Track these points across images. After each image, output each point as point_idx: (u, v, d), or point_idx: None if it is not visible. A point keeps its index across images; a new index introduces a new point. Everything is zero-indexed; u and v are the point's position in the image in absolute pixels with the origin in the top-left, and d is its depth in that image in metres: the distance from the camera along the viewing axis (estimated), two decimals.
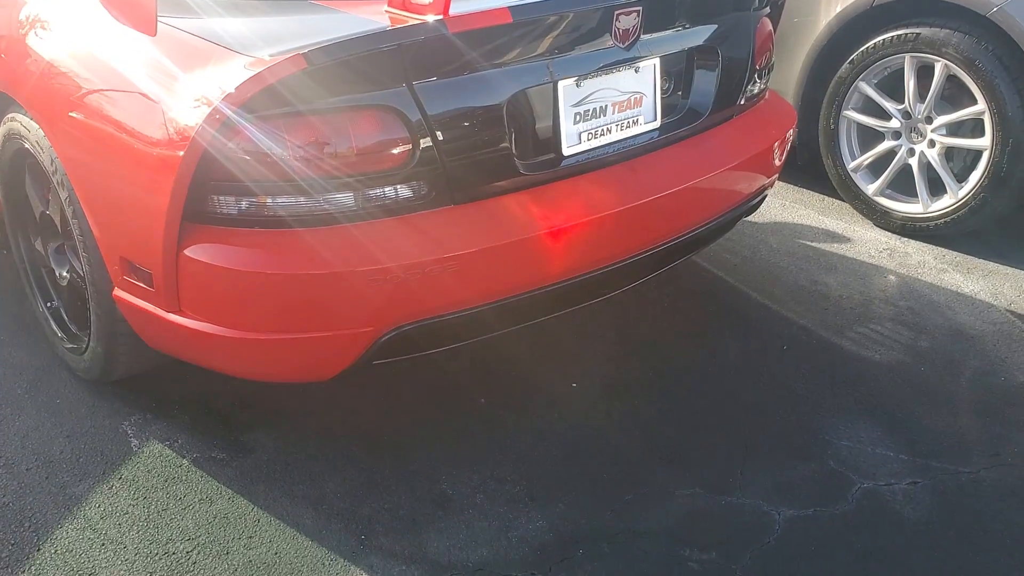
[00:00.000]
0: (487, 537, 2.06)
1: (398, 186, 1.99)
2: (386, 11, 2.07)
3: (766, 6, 2.68)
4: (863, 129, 3.56)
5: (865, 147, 3.57)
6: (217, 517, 2.11)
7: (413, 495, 2.18)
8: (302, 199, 1.93)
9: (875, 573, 1.99)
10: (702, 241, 2.64)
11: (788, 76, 3.65)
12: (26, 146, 2.32)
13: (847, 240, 3.45)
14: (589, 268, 2.26)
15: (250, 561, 1.99)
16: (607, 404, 2.51)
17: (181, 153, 1.87)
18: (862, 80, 3.46)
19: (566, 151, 2.21)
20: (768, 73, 2.76)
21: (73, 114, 2.12)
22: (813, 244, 3.41)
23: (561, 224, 2.14)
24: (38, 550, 2.00)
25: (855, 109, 3.52)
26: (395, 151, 1.96)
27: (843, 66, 3.49)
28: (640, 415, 2.47)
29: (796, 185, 3.91)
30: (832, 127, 3.58)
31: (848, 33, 3.47)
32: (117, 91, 2.07)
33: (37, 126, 2.23)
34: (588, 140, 2.25)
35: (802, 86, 3.64)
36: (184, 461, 2.27)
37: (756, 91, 2.71)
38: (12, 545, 2.01)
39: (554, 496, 2.18)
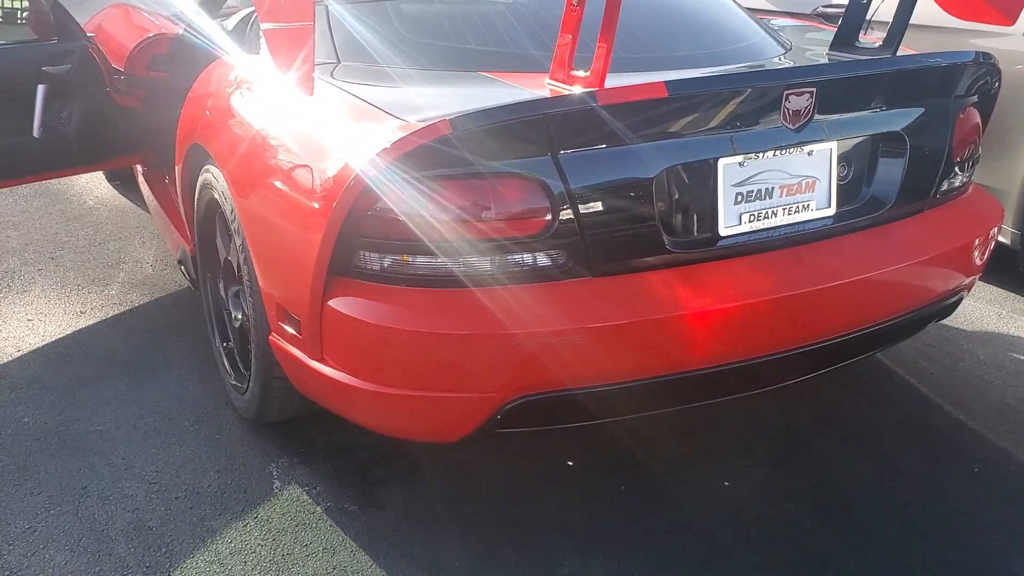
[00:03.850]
0: None
1: (537, 254, 1.96)
2: (547, 83, 2.10)
3: (974, 94, 2.47)
4: None
5: None
6: (336, 568, 2.12)
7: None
8: (440, 260, 1.94)
9: None
10: (881, 340, 2.42)
11: (1012, 172, 3.33)
12: (215, 196, 2.51)
13: None
14: (740, 356, 2.11)
15: None
16: (759, 508, 2.32)
17: (332, 206, 1.94)
18: None
19: (723, 231, 2.11)
20: (971, 166, 2.52)
21: (245, 166, 2.27)
22: None
23: (709, 305, 2.02)
24: None
25: None
26: (535, 219, 1.94)
27: None
28: (795, 525, 2.26)
29: (1017, 294, 3.53)
30: None
31: None
32: (279, 146, 2.20)
33: (223, 177, 2.41)
34: (750, 222, 2.14)
35: None
36: (318, 508, 2.31)
37: (956, 185, 2.48)
38: (146, 568, 2.12)
39: None
